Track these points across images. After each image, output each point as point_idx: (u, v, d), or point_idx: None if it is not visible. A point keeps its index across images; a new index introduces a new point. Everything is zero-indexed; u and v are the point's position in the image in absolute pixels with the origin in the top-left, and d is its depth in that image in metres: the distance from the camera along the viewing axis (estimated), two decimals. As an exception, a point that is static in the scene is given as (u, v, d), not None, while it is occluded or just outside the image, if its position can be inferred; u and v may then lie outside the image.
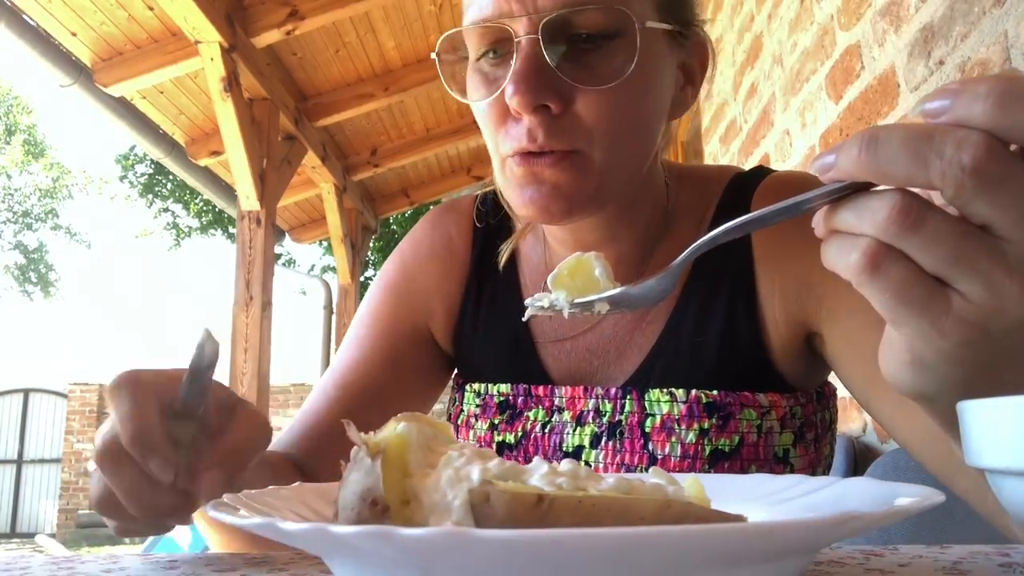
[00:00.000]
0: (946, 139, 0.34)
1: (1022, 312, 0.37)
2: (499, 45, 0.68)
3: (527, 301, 0.50)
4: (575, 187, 0.67)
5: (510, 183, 0.70)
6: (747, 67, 2.83)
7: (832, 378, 0.83)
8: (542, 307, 0.47)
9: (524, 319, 0.54)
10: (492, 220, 0.89)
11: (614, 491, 0.36)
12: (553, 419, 0.78)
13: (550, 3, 0.64)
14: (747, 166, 2.78)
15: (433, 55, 0.73)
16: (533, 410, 0.79)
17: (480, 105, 0.69)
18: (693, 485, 0.40)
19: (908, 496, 0.38)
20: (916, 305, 0.37)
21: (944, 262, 0.36)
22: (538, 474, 0.36)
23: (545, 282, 0.50)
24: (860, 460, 1.86)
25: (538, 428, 0.78)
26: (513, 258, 0.86)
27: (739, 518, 0.37)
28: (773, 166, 2.54)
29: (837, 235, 0.39)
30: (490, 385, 0.82)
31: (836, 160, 0.37)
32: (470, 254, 0.88)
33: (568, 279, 0.47)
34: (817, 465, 0.78)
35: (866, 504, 0.40)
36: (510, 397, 0.81)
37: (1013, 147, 0.35)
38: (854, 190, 0.38)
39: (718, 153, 3.31)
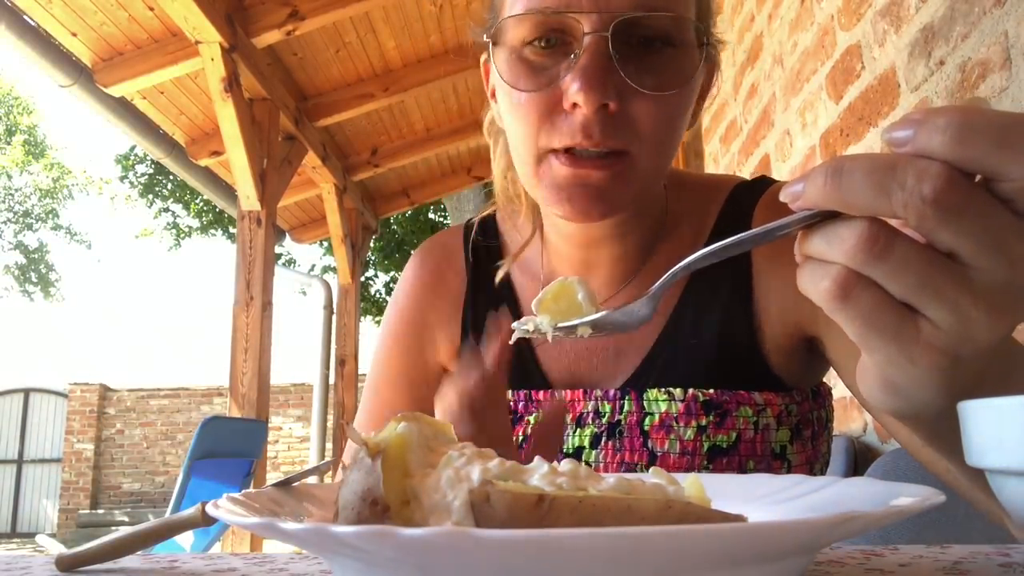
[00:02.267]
0: (908, 170, 0.35)
1: (989, 338, 0.37)
2: (554, 35, 0.67)
3: (514, 324, 0.51)
4: (618, 190, 0.67)
5: (545, 180, 0.69)
6: (747, 67, 2.83)
7: (827, 378, 0.83)
8: (527, 331, 0.49)
9: (511, 342, 0.54)
10: (479, 241, 0.90)
11: (614, 491, 0.36)
12: None
13: (622, 3, 0.64)
14: (747, 166, 2.77)
15: (485, 37, 0.71)
16: (534, 414, 0.80)
17: (521, 95, 0.68)
18: (693, 485, 0.40)
19: (908, 496, 0.38)
20: (886, 332, 0.38)
21: (912, 289, 0.37)
22: (538, 474, 0.37)
23: (531, 305, 0.51)
24: (860, 460, 1.86)
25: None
26: (508, 272, 0.87)
27: (739, 518, 0.37)
28: (773, 166, 2.54)
29: (810, 261, 0.39)
30: None
31: (804, 189, 0.38)
32: (465, 279, 0.89)
33: (552, 303, 0.48)
34: (815, 461, 0.79)
35: (866, 504, 0.40)
36: (511, 403, 0.81)
37: (979, 177, 0.35)
38: (826, 217, 0.38)
39: (718, 153, 3.31)
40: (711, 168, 3.47)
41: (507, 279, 0.87)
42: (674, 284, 0.78)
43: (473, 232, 0.92)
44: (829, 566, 0.43)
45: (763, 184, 0.83)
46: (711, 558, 0.30)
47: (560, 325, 0.48)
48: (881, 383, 0.42)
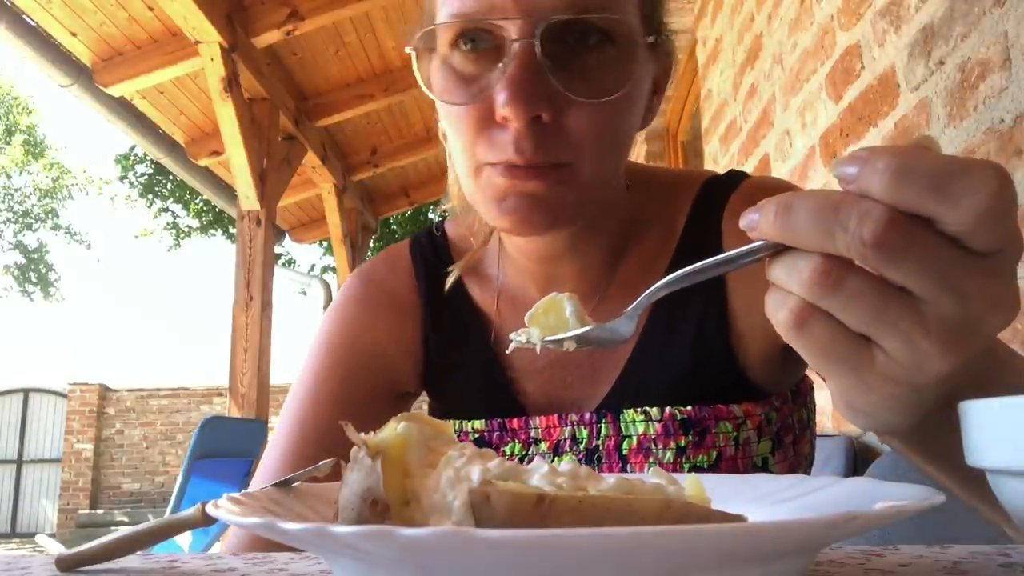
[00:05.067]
0: (851, 212, 0.35)
1: (943, 369, 0.38)
2: (480, 39, 0.63)
3: (511, 335, 0.51)
4: (559, 200, 0.63)
5: (484, 193, 0.65)
6: (747, 67, 2.83)
7: (809, 371, 0.81)
8: (521, 342, 0.51)
9: (508, 351, 0.53)
10: (430, 257, 0.85)
11: (614, 491, 0.36)
12: (530, 451, 0.75)
13: (550, 5, 0.59)
14: (747, 166, 2.75)
15: (409, 50, 0.66)
16: (509, 444, 0.76)
17: (454, 108, 0.64)
18: (693, 485, 0.40)
19: (908, 496, 0.38)
20: (842, 362, 0.39)
21: (865, 322, 0.37)
22: (538, 474, 0.37)
23: (524, 317, 0.51)
24: (860, 460, 1.86)
25: (515, 463, 0.77)
26: (467, 290, 0.83)
27: (739, 518, 0.37)
28: (773, 166, 2.54)
29: (774, 288, 0.40)
30: (465, 422, 0.79)
31: (758, 221, 0.38)
32: (419, 296, 0.83)
33: (543, 317, 0.50)
34: (797, 467, 0.77)
35: (866, 504, 0.40)
36: (485, 434, 0.78)
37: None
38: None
39: (718, 153, 3.31)
40: (711, 168, 3.47)
41: (465, 292, 0.82)
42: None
43: (422, 244, 0.86)
44: (829, 566, 0.43)
45: (733, 179, 0.80)
46: (711, 558, 0.30)
47: (548, 339, 0.50)
48: (845, 406, 0.42)
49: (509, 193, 0.63)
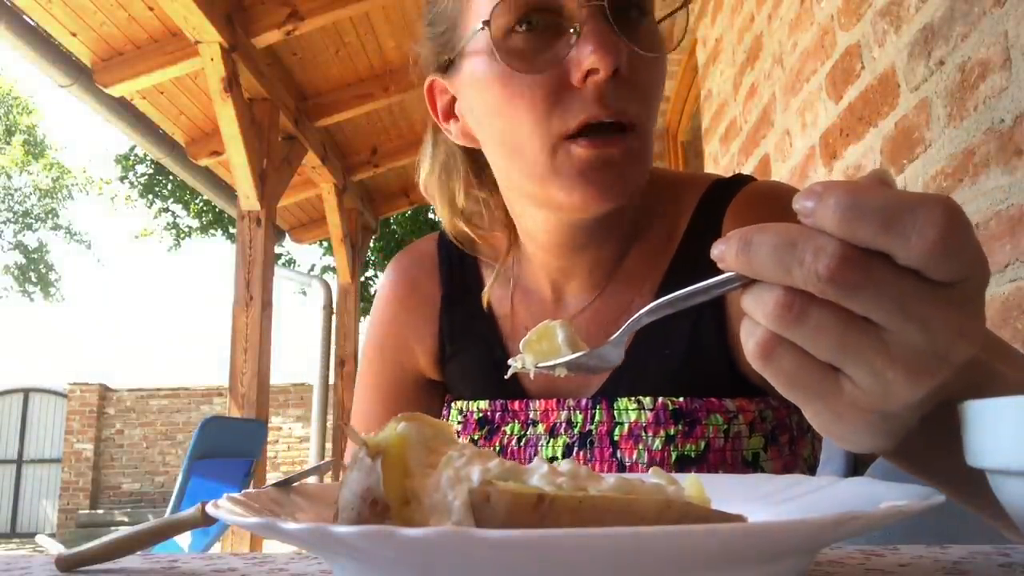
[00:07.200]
0: (807, 247, 0.36)
1: (911, 397, 0.38)
2: (543, 17, 0.66)
3: (510, 361, 0.54)
4: (636, 167, 0.67)
5: (563, 169, 0.66)
6: (747, 67, 2.83)
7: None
8: (518, 367, 0.54)
9: (506, 377, 0.57)
10: (454, 252, 0.90)
11: (614, 491, 0.36)
12: (528, 432, 0.79)
13: None
14: (747, 166, 2.74)
15: (480, 25, 0.67)
16: (509, 424, 0.81)
17: (525, 81, 0.65)
18: (693, 485, 0.40)
19: (909, 496, 0.38)
20: (809, 391, 0.39)
21: (830, 352, 0.37)
22: (538, 474, 0.37)
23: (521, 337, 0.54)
24: (860, 460, 1.86)
25: (514, 442, 0.80)
26: (483, 282, 0.87)
27: (739, 518, 0.37)
28: (773, 166, 2.54)
29: (746, 318, 0.40)
30: (470, 403, 0.84)
31: (724, 253, 0.39)
32: (440, 290, 0.89)
33: (536, 343, 0.53)
34: (793, 468, 0.78)
35: (866, 504, 0.40)
36: (488, 413, 0.82)
37: None
38: None
39: (718, 153, 3.31)
40: (711, 168, 3.47)
41: (482, 284, 0.87)
42: (644, 294, 0.78)
43: (448, 240, 0.91)
44: (829, 566, 0.43)
45: (738, 183, 0.81)
46: (711, 558, 0.30)
47: (540, 365, 0.52)
48: (820, 430, 0.43)
49: (593, 164, 0.66)
